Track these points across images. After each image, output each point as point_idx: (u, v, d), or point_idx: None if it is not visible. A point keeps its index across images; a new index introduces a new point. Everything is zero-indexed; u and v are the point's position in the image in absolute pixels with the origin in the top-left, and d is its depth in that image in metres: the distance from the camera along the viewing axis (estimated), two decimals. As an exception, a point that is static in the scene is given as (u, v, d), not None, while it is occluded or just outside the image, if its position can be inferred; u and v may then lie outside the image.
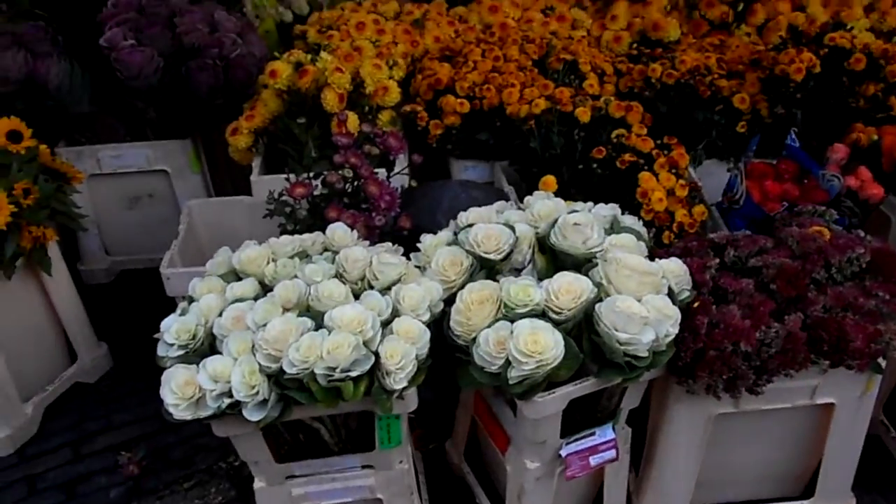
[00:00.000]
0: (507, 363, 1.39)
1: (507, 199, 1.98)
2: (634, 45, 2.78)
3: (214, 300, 1.49)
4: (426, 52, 2.83)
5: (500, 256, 1.54)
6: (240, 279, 1.57)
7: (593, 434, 1.63)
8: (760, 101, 2.47)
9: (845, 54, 2.38)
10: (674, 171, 2.13)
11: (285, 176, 2.02)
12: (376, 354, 1.36)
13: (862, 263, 1.68)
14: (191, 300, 1.53)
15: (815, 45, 2.44)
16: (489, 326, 1.42)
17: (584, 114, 2.28)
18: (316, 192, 1.95)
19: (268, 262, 1.59)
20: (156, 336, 1.47)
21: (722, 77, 2.50)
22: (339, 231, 1.68)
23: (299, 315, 1.41)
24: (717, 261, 1.69)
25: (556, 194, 1.92)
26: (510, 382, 1.39)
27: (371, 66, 2.46)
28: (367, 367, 1.35)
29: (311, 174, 1.99)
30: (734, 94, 2.46)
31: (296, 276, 1.51)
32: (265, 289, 1.53)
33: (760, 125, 2.47)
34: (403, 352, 1.36)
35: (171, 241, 2.16)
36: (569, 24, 2.93)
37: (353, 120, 2.30)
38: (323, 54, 2.45)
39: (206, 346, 1.45)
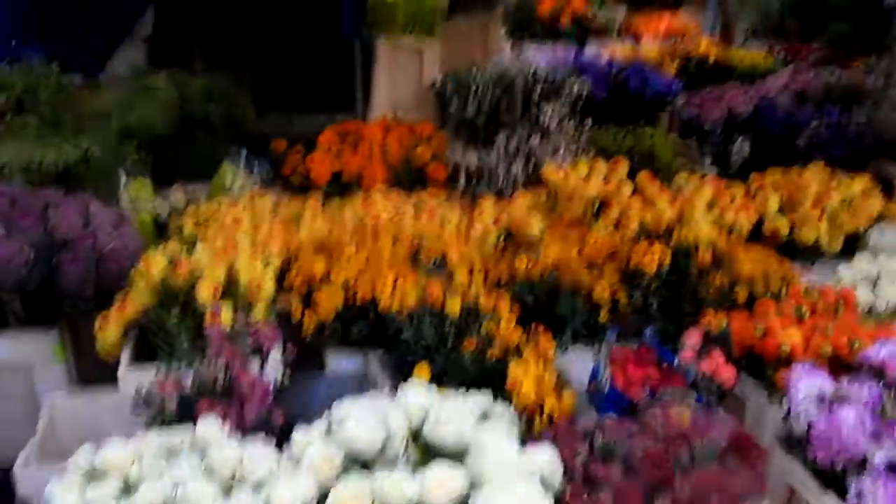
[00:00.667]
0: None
1: (382, 391, 2.00)
2: (501, 240, 2.94)
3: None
4: (301, 247, 2.90)
5: (373, 451, 1.54)
6: (102, 480, 1.50)
7: None
8: (620, 291, 2.63)
9: (691, 248, 2.59)
10: (542, 360, 2.21)
11: (155, 370, 1.98)
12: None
13: (722, 444, 1.77)
14: (46, 506, 1.45)
15: (665, 240, 2.65)
16: (363, 524, 1.40)
17: (454, 306, 2.36)
18: (187, 386, 1.92)
19: (132, 462, 1.53)
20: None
21: (583, 269, 2.66)
22: (209, 426, 1.64)
23: (164, 520, 1.35)
24: (587, 447, 1.74)
25: (430, 384, 1.95)
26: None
27: (246, 260, 2.49)
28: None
29: (183, 368, 1.96)
30: (595, 284, 2.61)
31: (162, 477, 1.46)
32: (129, 490, 1.47)
33: (621, 313, 2.62)
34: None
35: (29, 439, 2.06)
36: (439, 220, 3.08)
37: (226, 313, 2.30)
38: (198, 247, 2.47)
39: (60, 559, 1.36)
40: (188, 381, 1.93)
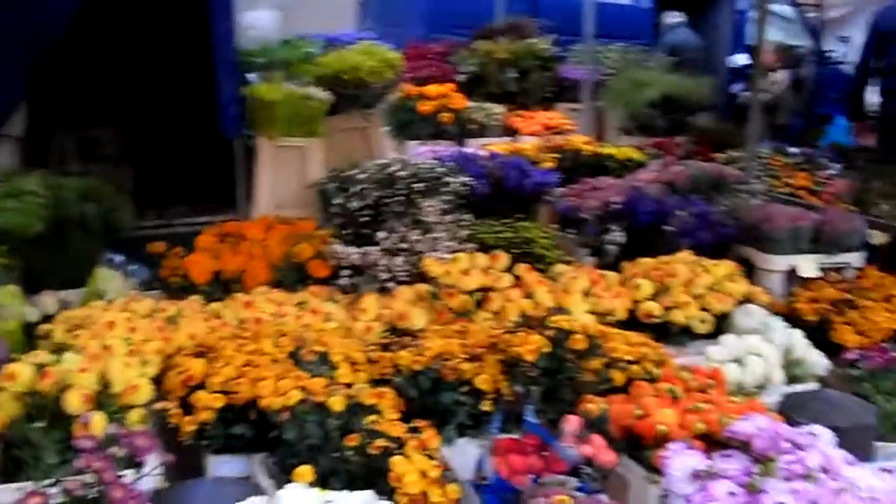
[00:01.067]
0: None
1: (264, 494, 1.95)
2: (384, 334, 2.96)
3: None
4: (180, 349, 2.83)
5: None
6: None
7: None
8: (501, 381, 2.67)
9: (568, 335, 2.67)
10: (426, 452, 2.21)
11: (19, 486, 1.88)
12: None
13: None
14: None
15: (543, 328, 2.72)
16: None
17: (337, 403, 2.34)
18: (54, 502, 1.82)
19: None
20: None
21: (465, 360, 2.69)
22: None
23: None
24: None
25: (314, 484, 1.92)
26: None
27: (120, 364, 2.41)
28: None
29: (49, 482, 1.87)
30: (477, 375, 2.64)
31: None
32: None
33: (503, 402, 2.65)
34: None
35: None
36: (322, 316, 3.07)
37: (98, 421, 2.21)
38: (68, 354, 2.39)
39: None
40: (56, 497, 1.84)
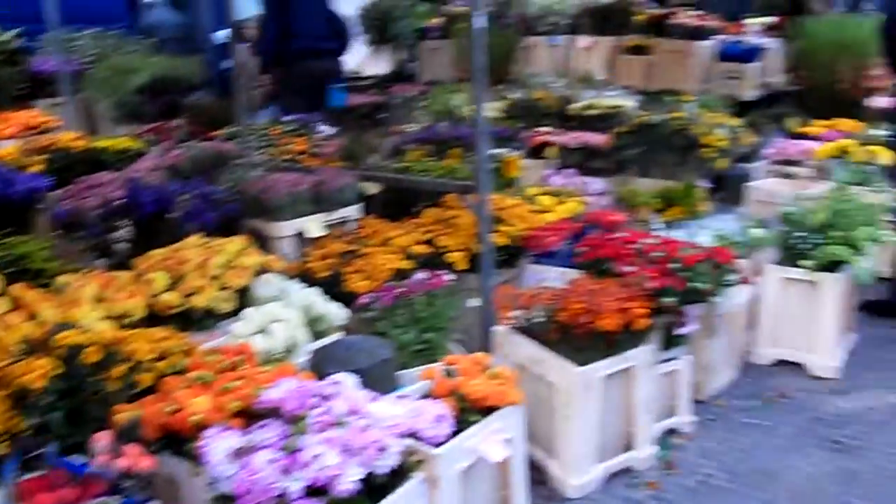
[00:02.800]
0: None
1: None
2: None
3: None
4: None
5: None
6: None
7: None
8: (15, 418, 2.40)
9: (80, 349, 2.49)
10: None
11: None
12: None
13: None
14: None
15: (51, 349, 2.50)
16: None
17: None
18: None
19: None
20: None
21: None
22: None
23: None
24: None
25: None
26: None
27: None
28: None
29: None
30: (-17, 418, 2.35)
31: None
32: None
33: (23, 440, 2.39)
34: None
35: None
36: None
37: None
38: None
39: None
40: None
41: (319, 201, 4.08)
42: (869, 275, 3.90)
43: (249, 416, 2.42)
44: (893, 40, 4.49)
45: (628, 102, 6.17)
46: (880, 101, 6.44)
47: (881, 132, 5.47)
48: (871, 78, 6.70)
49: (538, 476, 3.10)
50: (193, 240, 3.59)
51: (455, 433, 2.49)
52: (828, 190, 4.27)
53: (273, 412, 2.33)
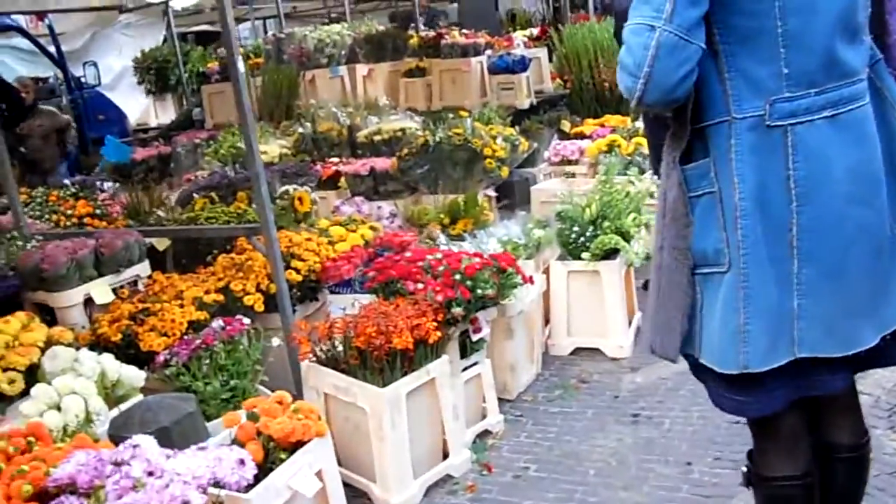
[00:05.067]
0: None
1: None
2: None
3: None
4: None
5: None
6: None
7: None
8: None
9: None
10: None
11: None
12: None
13: None
14: None
15: None
16: None
17: None
18: None
19: None
20: None
21: None
22: None
23: None
24: None
25: None
26: None
27: None
28: None
29: None
30: None
31: None
32: None
33: None
34: None
35: None
36: None
37: None
38: None
39: None
40: None
41: (104, 264, 3.95)
42: (641, 257, 4.25)
43: (46, 498, 2.33)
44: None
45: (412, 124, 6.37)
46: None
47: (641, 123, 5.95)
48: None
49: (364, 502, 3.17)
50: (-31, 324, 3.38)
51: (268, 473, 2.52)
52: (595, 184, 4.61)
53: (69, 488, 2.26)
